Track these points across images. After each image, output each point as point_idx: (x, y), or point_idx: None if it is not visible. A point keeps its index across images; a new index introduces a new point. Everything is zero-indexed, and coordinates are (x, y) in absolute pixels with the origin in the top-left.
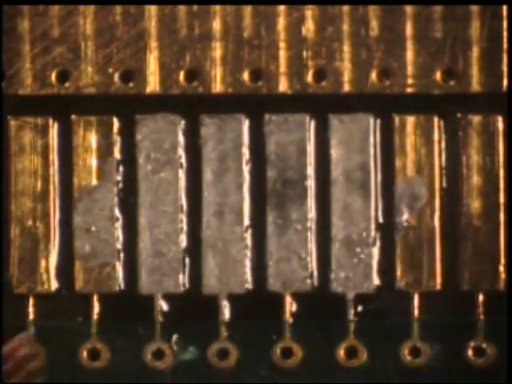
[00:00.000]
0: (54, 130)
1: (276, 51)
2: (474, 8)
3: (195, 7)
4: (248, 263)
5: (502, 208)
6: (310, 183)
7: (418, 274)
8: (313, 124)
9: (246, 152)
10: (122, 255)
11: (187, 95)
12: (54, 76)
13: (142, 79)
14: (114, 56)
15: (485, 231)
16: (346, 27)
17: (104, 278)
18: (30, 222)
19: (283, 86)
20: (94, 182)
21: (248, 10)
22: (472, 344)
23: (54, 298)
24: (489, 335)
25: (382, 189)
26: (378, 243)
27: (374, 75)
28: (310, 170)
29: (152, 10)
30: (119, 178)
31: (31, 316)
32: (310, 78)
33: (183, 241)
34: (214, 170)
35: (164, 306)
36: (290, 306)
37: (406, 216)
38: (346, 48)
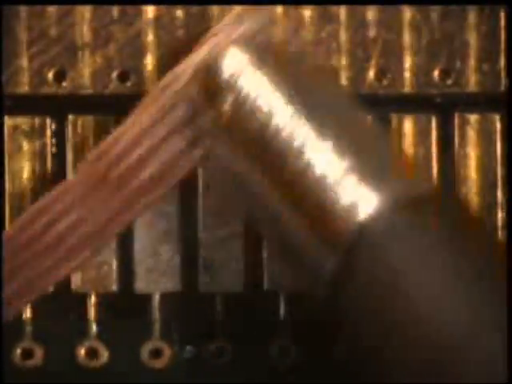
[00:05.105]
0: (51, 130)
1: None
2: (472, 8)
3: (193, 8)
4: (245, 263)
5: (499, 207)
6: None
7: None
8: None
9: None
10: (119, 254)
11: None
12: (51, 75)
13: (139, 79)
14: (112, 56)
15: None
16: (343, 27)
17: (101, 277)
18: None
19: None
20: None
21: None
22: None
23: (51, 297)
24: None
25: None
26: None
27: (371, 75)
28: None
29: (149, 10)
30: None
31: (28, 315)
32: None
33: (180, 240)
34: (211, 170)
35: (161, 305)
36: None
37: None
38: (344, 48)
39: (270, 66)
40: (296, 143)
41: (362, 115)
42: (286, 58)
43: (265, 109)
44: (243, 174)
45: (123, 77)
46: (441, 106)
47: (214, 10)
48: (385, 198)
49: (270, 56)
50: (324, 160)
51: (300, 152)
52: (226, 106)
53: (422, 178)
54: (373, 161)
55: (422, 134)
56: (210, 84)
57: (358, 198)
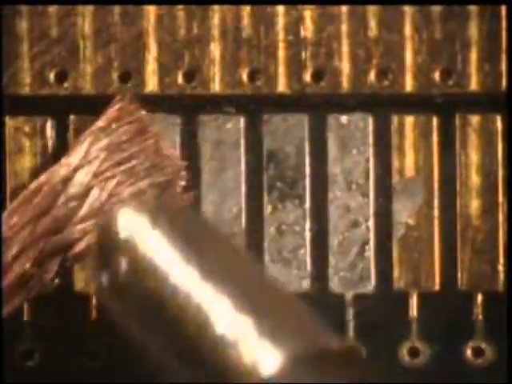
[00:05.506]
0: (52, 130)
1: (275, 51)
2: (473, 8)
3: (194, 7)
4: None
5: (500, 208)
6: (308, 183)
7: (416, 274)
8: (311, 124)
9: (244, 152)
10: None
11: (186, 95)
12: (52, 76)
13: (140, 79)
14: (113, 56)
15: (484, 231)
16: (344, 27)
17: None
18: None
19: (282, 85)
20: None
21: (247, 10)
22: (471, 344)
23: (54, 298)
24: (487, 335)
25: (380, 189)
26: (375, 243)
27: (372, 75)
28: (308, 170)
29: (150, 10)
30: None
31: (30, 315)
32: (308, 77)
33: None
34: (212, 170)
35: None
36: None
37: (404, 216)
38: (345, 48)
39: (165, 225)
40: (193, 303)
41: (259, 271)
42: (179, 216)
43: (160, 269)
44: (139, 334)
45: (124, 77)
46: (442, 107)
47: (215, 9)
48: (284, 356)
49: (164, 215)
50: (223, 319)
51: (198, 312)
52: (122, 267)
53: (321, 332)
54: (272, 317)
55: (422, 135)
56: (105, 244)
57: (259, 357)
